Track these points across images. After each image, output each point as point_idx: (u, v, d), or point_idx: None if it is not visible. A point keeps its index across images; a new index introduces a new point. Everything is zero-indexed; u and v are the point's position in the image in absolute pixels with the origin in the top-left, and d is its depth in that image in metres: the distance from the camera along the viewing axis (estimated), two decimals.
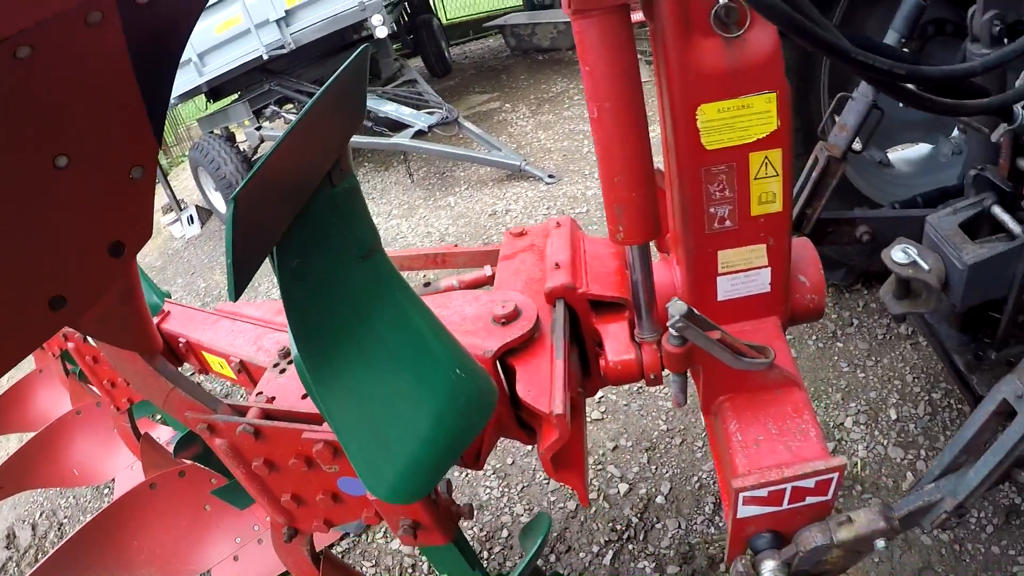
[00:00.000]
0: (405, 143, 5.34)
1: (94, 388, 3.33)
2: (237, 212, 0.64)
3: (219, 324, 1.77)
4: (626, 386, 2.83)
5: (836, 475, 1.13)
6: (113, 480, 3.34)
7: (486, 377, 0.99)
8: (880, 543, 1.21)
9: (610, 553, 2.17)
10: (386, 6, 5.71)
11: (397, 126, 5.60)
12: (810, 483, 1.13)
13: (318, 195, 0.81)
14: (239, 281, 0.68)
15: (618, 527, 2.24)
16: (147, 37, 0.78)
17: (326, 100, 0.77)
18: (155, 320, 1.94)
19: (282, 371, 1.38)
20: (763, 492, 1.12)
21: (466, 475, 2.66)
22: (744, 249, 1.24)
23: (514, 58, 9.44)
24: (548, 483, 2.50)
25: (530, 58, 9.12)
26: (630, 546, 2.18)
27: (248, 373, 1.57)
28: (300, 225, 0.78)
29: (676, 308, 1.02)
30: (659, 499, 2.30)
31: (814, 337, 2.92)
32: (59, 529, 3.55)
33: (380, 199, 5.85)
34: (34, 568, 2.16)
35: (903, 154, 3.22)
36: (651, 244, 1.24)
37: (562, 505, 2.38)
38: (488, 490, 2.54)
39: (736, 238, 1.23)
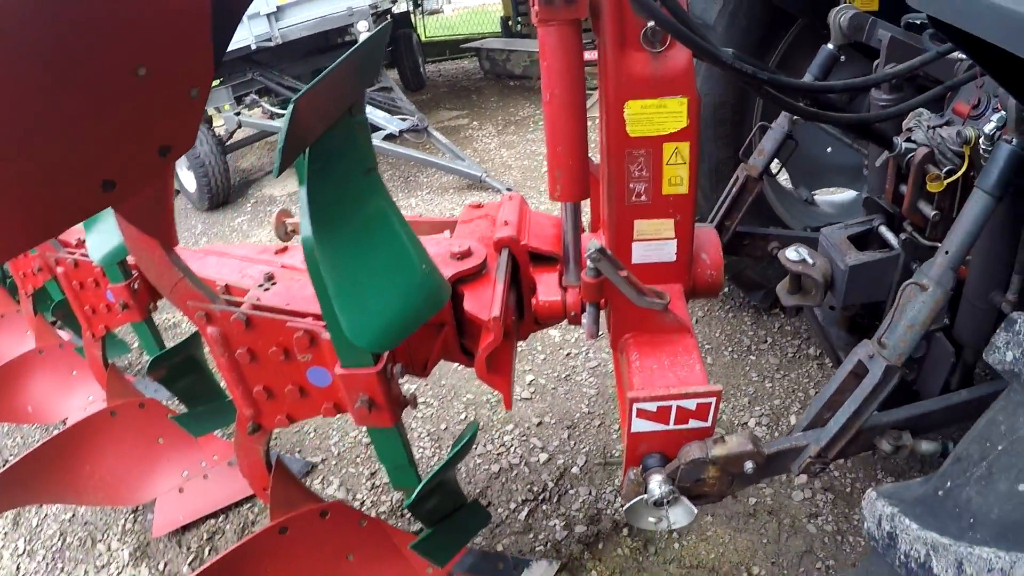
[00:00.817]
0: (376, 143, 5.66)
1: (61, 332, 3.48)
2: (295, 110, 0.93)
3: (206, 259, 2.03)
4: (554, 373, 3.16)
5: (714, 400, 1.43)
6: (65, 420, 3.46)
7: (443, 280, 1.30)
8: (748, 465, 1.51)
9: (525, 510, 2.44)
10: (373, 15, 6.05)
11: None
12: (691, 404, 1.43)
13: (342, 120, 1.11)
14: (283, 165, 0.97)
15: (535, 489, 2.52)
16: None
17: (356, 55, 1.08)
18: None
19: (266, 290, 1.64)
20: (653, 407, 1.42)
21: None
22: (655, 221, 1.58)
23: (486, 81, 9.95)
24: (476, 448, 2.77)
25: (502, 83, 9.64)
26: (544, 507, 2.46)
27: (230, 295, 1.82)
28: (328, 137, 1.08)
29: (593, 245, 1.34)
30: (574, 469, 2.60)
31: (730, 349, 3.29)
32: (3, 465, 3.63)
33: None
34: None
35: (829, 197, 3.67)
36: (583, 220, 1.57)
37: (487, 467, 2.66)
38: (421, 450, 2.80)
39: (649, 211, 1.56)
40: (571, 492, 2.49)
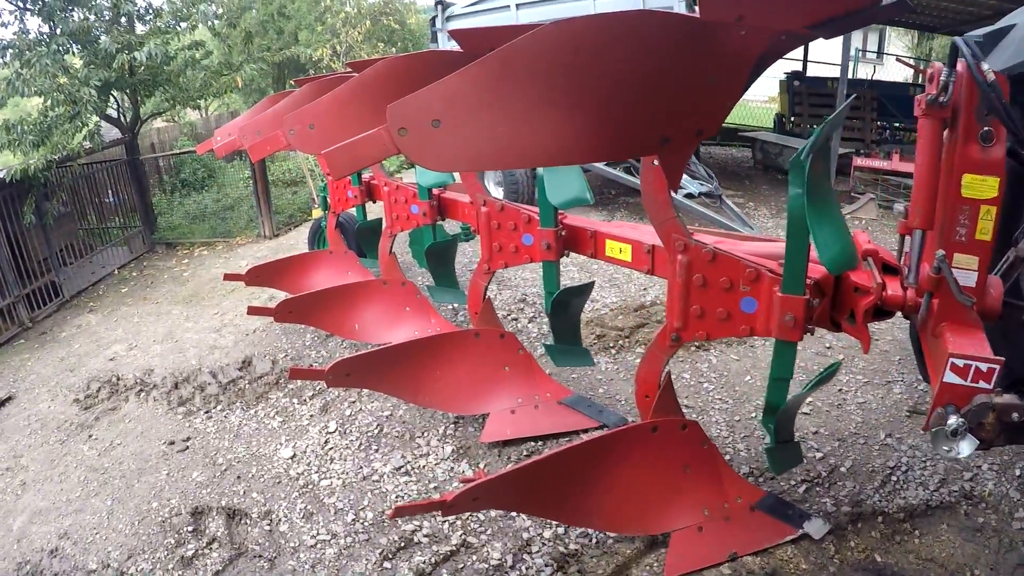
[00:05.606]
0: (677, 198, 7.05)
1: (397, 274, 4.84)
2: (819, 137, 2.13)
3: (620, 227, 3.26)
4: (828, 399, 4.09)
5: (998, 367, 2.40)
6: (388, 343, 4.53)
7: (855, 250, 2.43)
8: (1015, 415, 2.42)
9: (803, 487, 3.37)
10: None
11: None
12: (984, 367, 2.39)
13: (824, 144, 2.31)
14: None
15: (811, 474, 3.45)
16: (767, 54, 2.21)
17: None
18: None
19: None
20: (961, 363, 2.39)
21: None
22: (967, 256, 2.61)
23: (756, 170, 11.63)
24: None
25: (771, 175, 11.19)
26: (817, 488, 3.38)
27: (653, 256, 3.00)
28: (823, 144, 2.26)
29: (940, 254, 2.41)
30: (842, 468, 3.54)
31: None
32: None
33: None
34: (348, 356, 3.29)
35: None
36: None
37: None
38: (717, 430, 3.82)
39: (964, 248, 2.60)
40: (839, 483, 3.42)
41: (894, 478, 3.43)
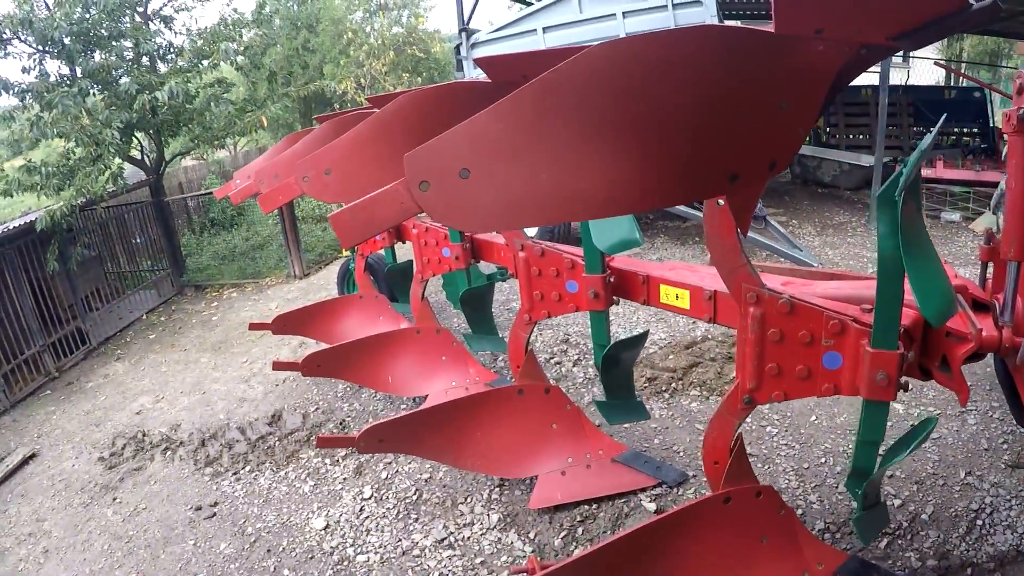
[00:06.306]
0: None
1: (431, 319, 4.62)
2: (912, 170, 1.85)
3: (674, 269, 2.98)
4: None
5: None
6: (425, 397, 4.34)
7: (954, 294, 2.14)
8: None
9: (885, 540, 3.07)
10: None
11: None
12: None
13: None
14: None
15: (891, 526, 3.14)
16: (844, 72, 1.94)
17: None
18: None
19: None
20: None
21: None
22: None
23: (795, 184, 11.26)
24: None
25: (810, 188, 10.87)
26: (900, 541, 3.09)
27: (715, 303, 2.72)
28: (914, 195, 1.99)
29: None
30: (923, 516, 3.21)
31: None
32: (339, 424, 4.66)
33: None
34: (381, 420, 3.04)
35: None
36: None
37: (849, 502, 3.30)
38: (787, 480, 3.52)
39: None
40: (922, 533, 3.09)
41: (979, 522, 3.17)
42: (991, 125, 13.43)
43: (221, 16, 9.52)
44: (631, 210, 1.82)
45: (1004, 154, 3.95)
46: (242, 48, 9.25)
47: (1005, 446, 3.68)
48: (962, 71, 12.62)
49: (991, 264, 2.66)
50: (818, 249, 7.72)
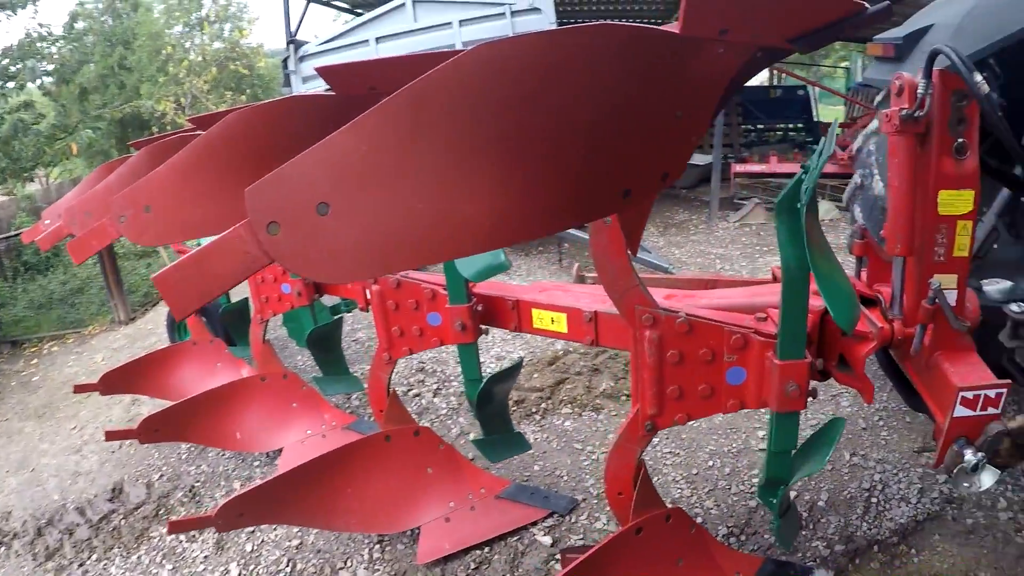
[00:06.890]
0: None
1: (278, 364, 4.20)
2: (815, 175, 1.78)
3: (545, 291, 2.83)
4: None
5: (1004, 391, 2.16)
6: (280, 450, 3.94)
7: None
8: None
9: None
10: None
11: None
12: (992, 393, 2.14)
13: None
14: None
15: None
16: (738, 77, 1.63)
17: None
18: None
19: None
20: (970, 394, 2.14)
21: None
22: (948, 275, 2.38)
23: None
24: (734, 486, 3.41)
25: None
26: (803, 532, 3.12)
27: (596, 324, 2.58)
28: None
29: (935, 281, 2.15)
30: (820, 503, 3.28)
31: None
32: (189, 491, 4.15)
33: (524, 281, 6.98)
34: (238, 492, 2.66)
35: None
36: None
37: (746, 503, 3.30)
38: (679, 490, 3.48)
39: (944, 268, 2.37)
40: (823, 521, 3.17)
41: (874, 500, 3.31)
42: (815, 120, 14.70)
43: (27, 31, 8.40)
44: (523, 237, 1.59)
45: (853, 148, 4.13)
46: (52, 68, 8.19)
47: (881, 423, 3.87)
48: (784, 69, 13.65)
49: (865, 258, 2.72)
50: (664, 249, 7.92)
